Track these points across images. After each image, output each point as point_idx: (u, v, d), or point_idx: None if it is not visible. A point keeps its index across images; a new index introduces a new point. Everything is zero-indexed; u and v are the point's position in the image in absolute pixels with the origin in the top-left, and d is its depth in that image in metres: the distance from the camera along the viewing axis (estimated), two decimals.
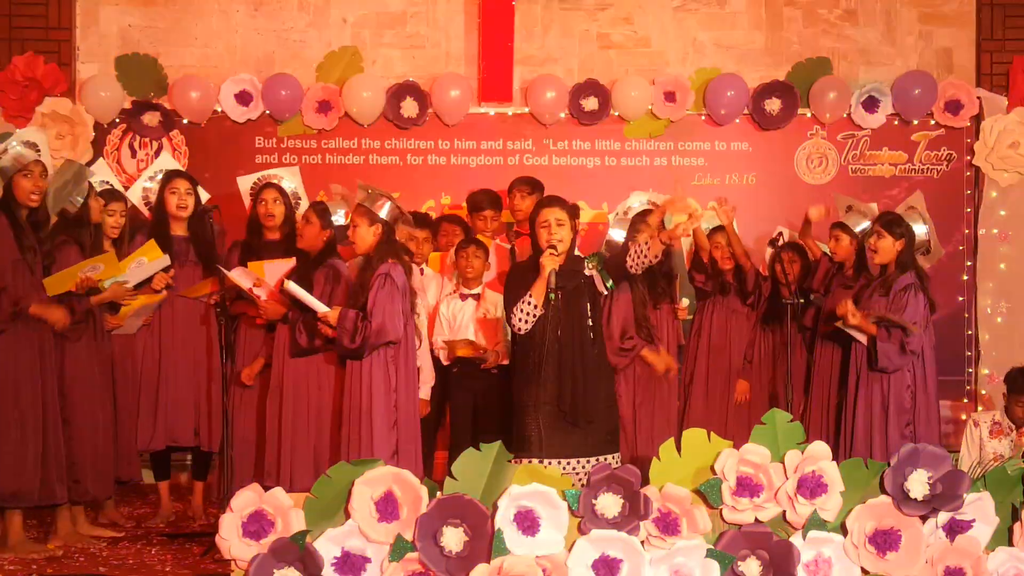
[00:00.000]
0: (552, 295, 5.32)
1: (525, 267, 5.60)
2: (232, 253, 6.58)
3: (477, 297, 6.58)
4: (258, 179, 6.79)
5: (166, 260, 6.27)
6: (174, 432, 6.53)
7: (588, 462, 5.38)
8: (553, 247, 5.39)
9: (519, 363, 5.57)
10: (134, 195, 6.97)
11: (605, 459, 5.46)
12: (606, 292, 5.58)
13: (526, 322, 5.42)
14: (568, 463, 5.37)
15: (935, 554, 4.70)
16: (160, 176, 6.81)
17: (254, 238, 6.57)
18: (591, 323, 5.53)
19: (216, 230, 6.65)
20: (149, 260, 6.21)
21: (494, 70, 8.25)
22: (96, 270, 5.87)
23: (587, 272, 5.53)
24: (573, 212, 5.60)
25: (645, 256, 5.46)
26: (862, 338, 6.27)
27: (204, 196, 6.87)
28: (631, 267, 5.51)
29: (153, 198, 6.78)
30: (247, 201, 6.75)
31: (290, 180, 6.81)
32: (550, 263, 5.36)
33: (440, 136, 8.30)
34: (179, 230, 6.61)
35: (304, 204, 6.71)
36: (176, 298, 6.51)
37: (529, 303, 5.39)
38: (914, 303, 6.19)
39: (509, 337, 5.89)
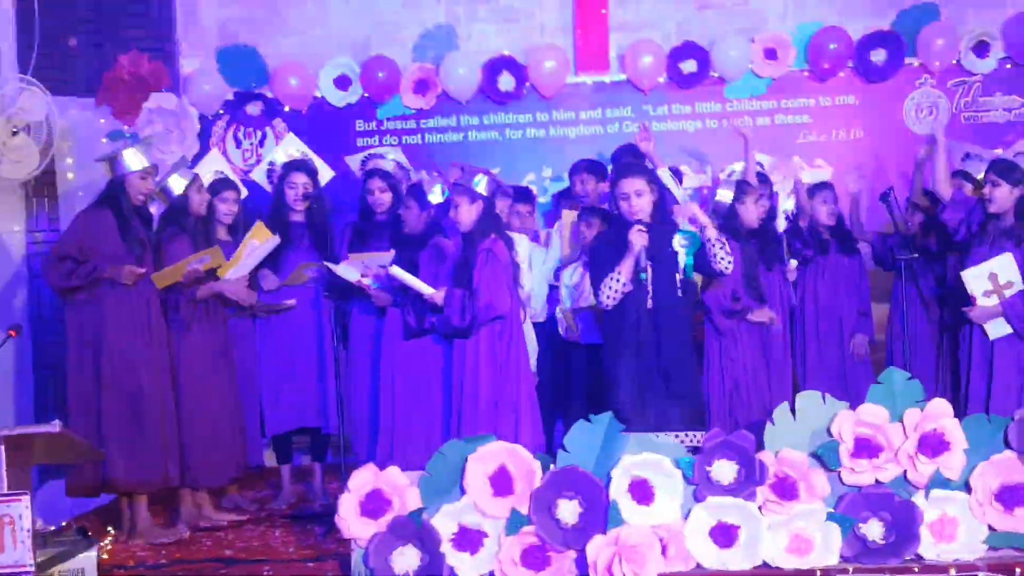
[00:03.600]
0: (643, 274, 5.27)
1: (609, 240, 5.52)
2: (344, 235, 6.68)
3: None
4: (364, 157, 6.98)
5: (276, 240, 6.37)
6: (294, 415, 6.64)
7: (676, 437, 5.31)
8: (641, 224, 5.31)
9: (610, 337, 5.52)
10: (259, 172, 7.24)
11: (692, 436, 5.38)
12: (681, 276, 5.48)
13: (614, 299, 5.36)
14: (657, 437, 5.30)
15: None
16: (291, 153, 7.07)
17: (364, 221, 6.67)
18: (681, 294, 5.44)
19: (331, 209, 6.79)
20: (260, 242, 6.32)
21: (589, 39, 8.18)
22: (203, 262, 6.00)
23: (675, 247, 5.45)
24: (654, 178, 5.50)
25: (724, 251, 5.41)
26: (995, 329, 6.05)
27: (328, 175, 7.06)
28: (718, 268, 5.43)
29: (276, 178, 6.91)
30: (359, 174, 6.91)
31: (395, 154, 6.98)
32: (639, 240, 5.29)
33: (538, 109, 8.24)
34: (296, 217, 6.71)
35: (412, 175, 6.86)
36: (287, 284, 6.60)
37: (618, 280, 5.32)
38: None
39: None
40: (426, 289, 5.70)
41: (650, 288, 5.35)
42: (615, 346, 5.43)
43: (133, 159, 5.91)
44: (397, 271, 5.76)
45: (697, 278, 5.74)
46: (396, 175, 6.79)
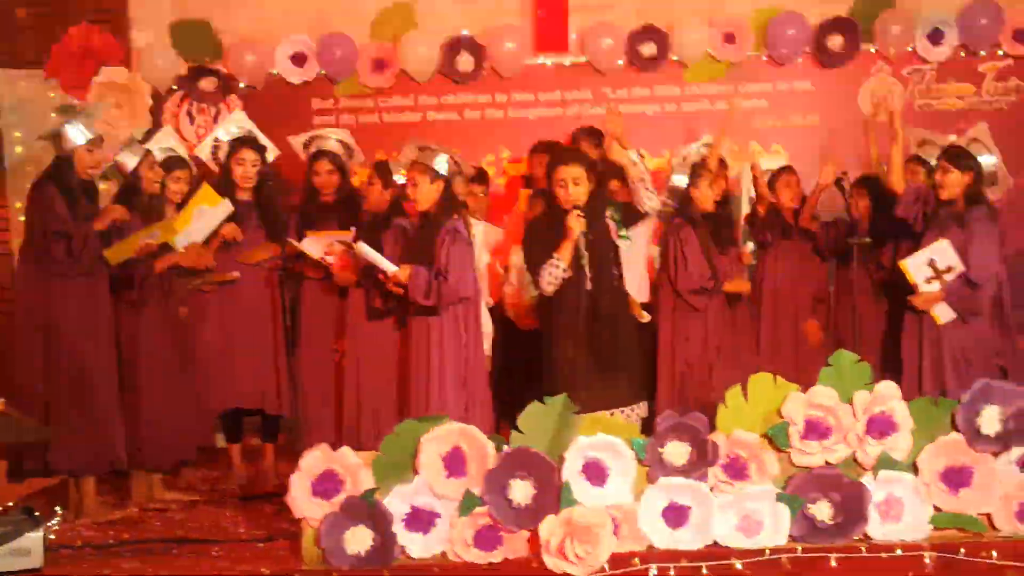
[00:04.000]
0: (583, 260, 5.29)
1: (545, 225, 5.52)
2: (291, 218, 6.61)
3: None
4: (308, 138, 6.81)
5: (228, 206, 6.31)
6: (240, 395, 6.56)
7: (621, 412, 5.34)
8: (579, 209, 5.32)
9: (550, 320, 5.52)
10: (203, 150, 7.03)
11: (634, 408, 5.42)
12: (619, 242, 5.51)
13: (554, 285, 5.37)
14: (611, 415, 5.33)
15: (1010, 490, 4.66)
16: (233, 130, 6.87)
17: (310, 203, 6.61)
18: (616, 272, 5.48)
19: (281, 188, 6.69)
20: (210, 206, 6.25)
21: (549, 19, 8.16)
22: (154, 236, 5.92)
23: (607, 220, 5.48)
24: (592, 165, 5.51)
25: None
26: (943, 314, 6.08)
27: (274, 153, 6.93)
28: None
29: (222, 156, 6.79)
30: (303, 156, 6.79)
31: (340, 134, 6.85)
32: (578, 226, 5.31)
33: (497, 89, 8.23)
34: (243, 195, 6.62)
35: (357, 156, 6.79)
36: (240, 262, 6.53)
37: (558, 266, 5.33)
38: (991, 231, 6.04)
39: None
40: (390, 267, 5.67)
41: (588, 271, 5.37)
42: (555, 329, 5.45)
43: (76, 133, 5.79)
44: (362, 247, 5.72)
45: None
46: (343, 156, 6.73)
